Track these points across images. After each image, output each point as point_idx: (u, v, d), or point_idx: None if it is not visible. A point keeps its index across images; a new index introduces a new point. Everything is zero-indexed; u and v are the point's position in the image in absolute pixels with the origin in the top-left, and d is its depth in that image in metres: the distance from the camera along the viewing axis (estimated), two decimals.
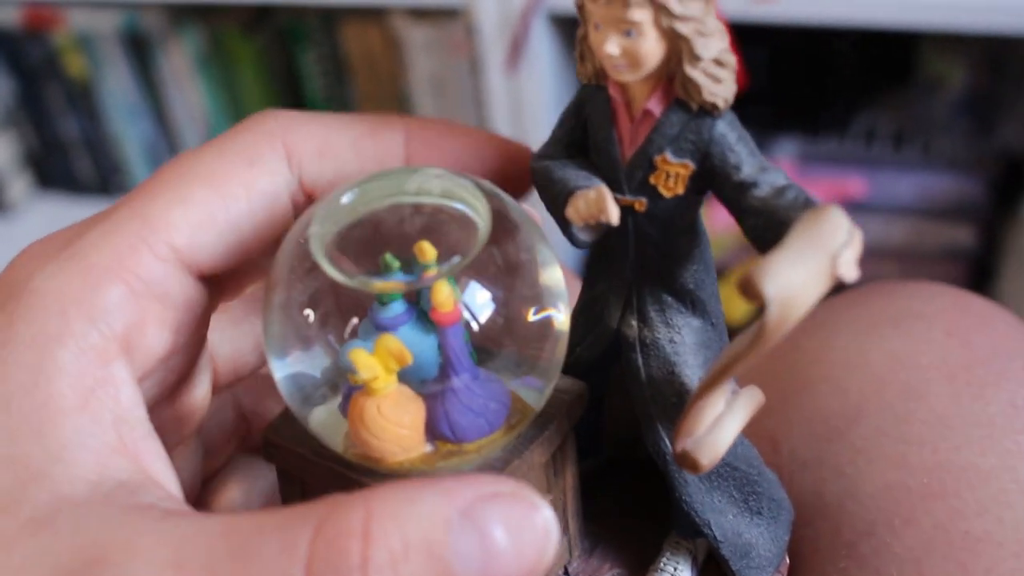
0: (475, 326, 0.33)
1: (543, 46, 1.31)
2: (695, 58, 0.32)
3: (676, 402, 0.36)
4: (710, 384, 0.32)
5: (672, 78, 0.33)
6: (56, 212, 1.82)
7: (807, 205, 0.31)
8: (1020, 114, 1.41)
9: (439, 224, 0.34)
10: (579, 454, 0.40)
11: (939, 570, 0.40)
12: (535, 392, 0.35)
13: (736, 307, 1.22)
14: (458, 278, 0.33)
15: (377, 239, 0.34)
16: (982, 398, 0.45)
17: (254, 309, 0.43)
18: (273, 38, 1.60)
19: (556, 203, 0.35)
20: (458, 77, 1.47)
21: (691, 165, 0.34)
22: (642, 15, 0.32)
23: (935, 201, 1.38)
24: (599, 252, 0.38)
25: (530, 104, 1.33)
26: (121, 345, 0.33)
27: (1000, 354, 0.47)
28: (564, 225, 0.35)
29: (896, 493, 0.42)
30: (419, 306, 0.34)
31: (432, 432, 0.34)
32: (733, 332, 0.36)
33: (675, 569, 0.39)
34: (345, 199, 0.35)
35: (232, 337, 0.43)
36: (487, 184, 0.35)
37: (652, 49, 0.32)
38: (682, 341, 0.37)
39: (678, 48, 0.32)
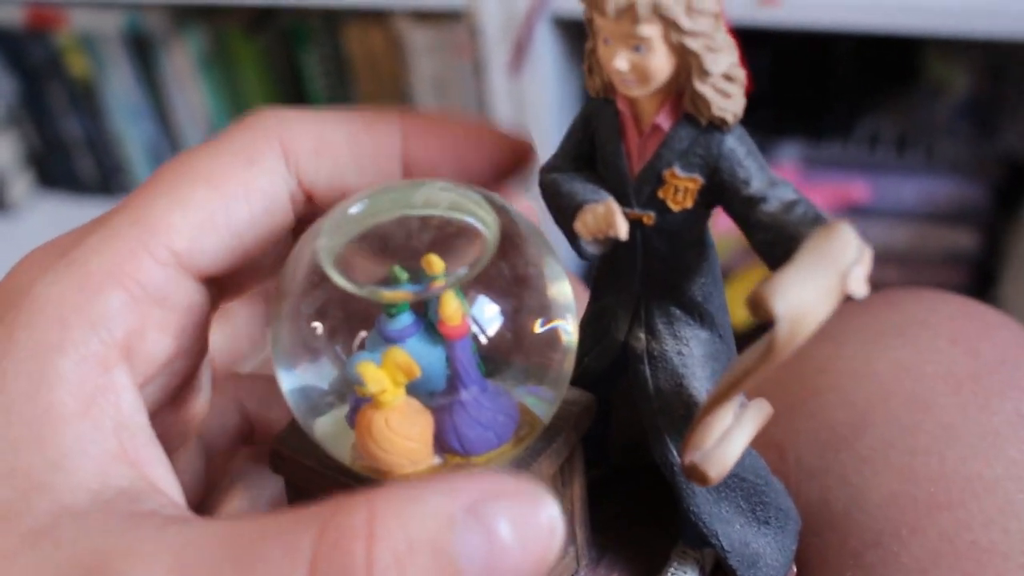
0: (483, 339, 0.33)
1: (546, 48, 1.31)
2: (704, 73, 0.32)
3: (684, 414, 0.36)
4: (719, 398, 0.32)
5: (681, 93, 0.33)
6: (58, 212, 1.82)
7: (817, 221, 0.31)
8: (1022, 119, 1.41)
9: (447, 237, 0.34)
10: (586, 464, 0.40)
11: None
12: (543, 404, 0.35)
13: (741, 312, 1.22)
14: (466, 291, 0.33)
15: (385, 252, 0.34)
16: (988, 408, 0.45)
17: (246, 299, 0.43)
18: (276, 39, 1.59)
19: (564, 216, 0.35)
20: (461, 79, 1.47)
21: (700, 179, 0.34)
22: (652, 30, 0.32)
23: (938, 205, 1.38)
24: (607, 265, 0.38)
25: (533, 107, 1.33)
26: (122, 352, 0.33)
27: (1006, 363, 0.47)
28: (572, 238, 0.35)
29: (903, 503, 0.42)
30: (427, 318, 0.34)
31: (440, 445, 0.34)
32: (739, 340, 0.36)
33: None
34: (353, 211, 0.35)
35: (229, 336, 0.43)
36: (496, 197, 0.35)
37: (661, 64, 0.32)
38: (690, 353, 0.37)
39: (687, 63, 0.32)
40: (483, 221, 0.34)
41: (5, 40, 1.69)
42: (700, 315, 0.37)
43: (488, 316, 0.33)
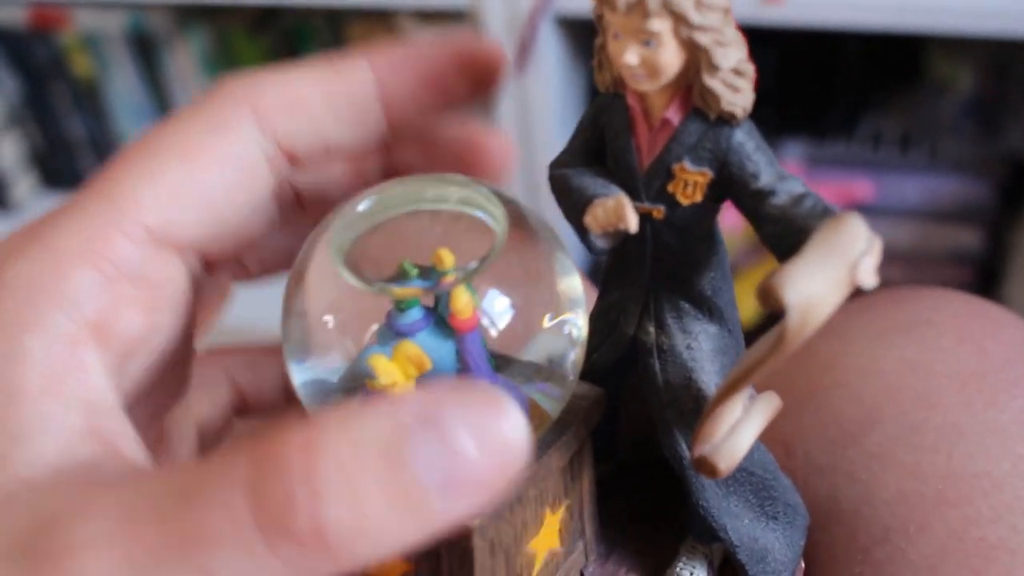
0: (493, 333, 0.33)
1: (550, 48, 1.31)
2: (714, 68, 0.32)
3: (693, 408, 0.37)
4: (728, 390, 0.32)
5: (690, 87, 0.34)
6: None
7: (826, 213, 0.32)
8: None
9: (457, 232, 0.35)
10: (595, 459, 0.40)
11: None
12: (553, 399, 0.35)
13: (747, 308, 1.22)
14: (477, 285, 0.33)
15: (396, 247, 0.35)
16: (995, 405, 0.45)
17: None
18: (279, 39, 1.60)
19: (574, 211, 0.35)
20: None
21: (709, 173, 0.34)
22: (661, 25, 0.32)
23: (942, 204, 1.38)
24: (616, 259, 0.38)
25: (537, 106, 1.33)
26: (92, 331, 0.32)
27: (1013, 361, 0.47)
28: (582, 233, 0.35)
29: (911, 500, 0.43)
30: (437, 312, 0.34)
31: None
32: (748, 336, 0.36)
33: (691, 573, 0.40)
34: (363, 207, 0.35)
35: (256, 372, 0.43)
36: (505, 192, 0.35)
37: (671, 59, 0.33)
38: (699, 347, 0.37)
39: (697, 58, 0.33)
40: (492, 215, 0.34)
41: (9, 40, 1.69)
42: (709, 309, 0.37)
43: (498, 310, 0.33)
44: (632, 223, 0.33)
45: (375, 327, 0.34)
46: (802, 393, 0.49)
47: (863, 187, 1.39)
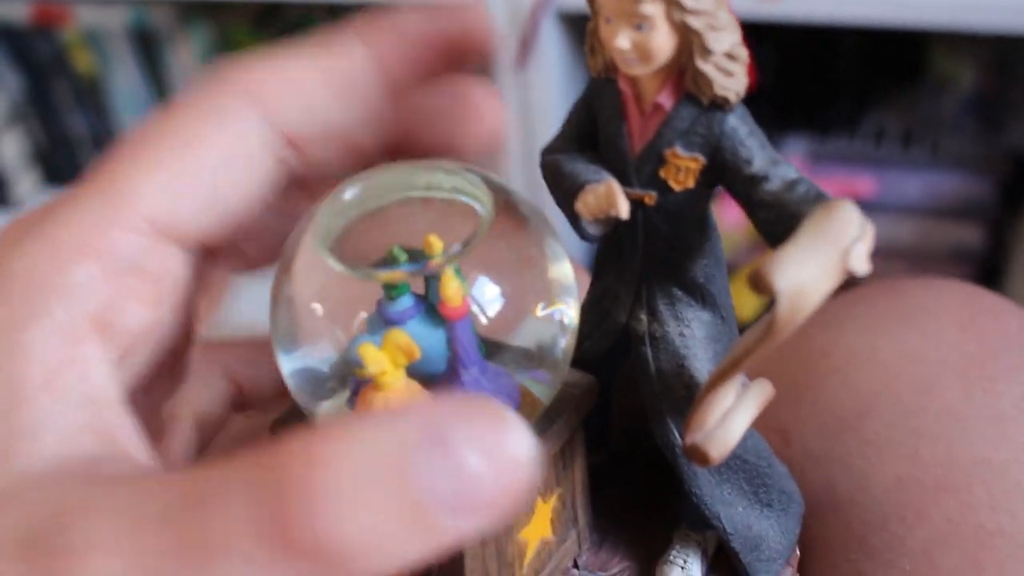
0: (484, 320, 0.33)
1: (551, 44, 1.30)
2: (706, 52, 0.32)
3: (685, 395, 0.36)
4: (720, 378, 0.32)
5: (683, 72, 0.33)
6: None
7: (818, 199, 0.31)
8: None
9: (448, 219, 0.34)
10: (587, 448, 0.40)
11: (951, 563, 0.40)
12: (544, 386, 0.35)
13: (745, 304, 1.22)
14: (467, 272, 0.33)
15: (386, 234, 0.34)
16: (993, 392, 0.45)
17: None
18: (281, 34, 1.59)
19: (565, 197, 0.35)
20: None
21: (701, 159, 0.34)
22: (654, 9, 0.32)
23: (943, 201, 1.38)
24: (608, 246, 0.38)
25: (539, 102, 1.33)
26: (94, 324, 0.32)
27: (1011, 348, 0.47)
28: (573, 219, 0.35)
29: (908, 487, 0.42)
30: (427, 300, 0.34)
31: None
32: (743, 329, 0.36)
33: (685, 562, 0.39)
34: (352, 194, 0.35)
35: (254, 361, 0.43)
36: (495, 178, 0.35)
37: (663, 43, 0.32)
38: (692, 335, 0.37)
39: (689, 42, 0.32)
40: (484, 202, 0.34)
41: (11, 37, 1.69)
42: (702, 296, 0.37)
43: (488, 297, 0.33)
44: (623, 209, 0.33)
45: (364, 315, 0.33)
46: (799, 381, 0.49)
47: (865, 183, 1.39)
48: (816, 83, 1.45)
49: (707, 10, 0.32)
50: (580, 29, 1.34)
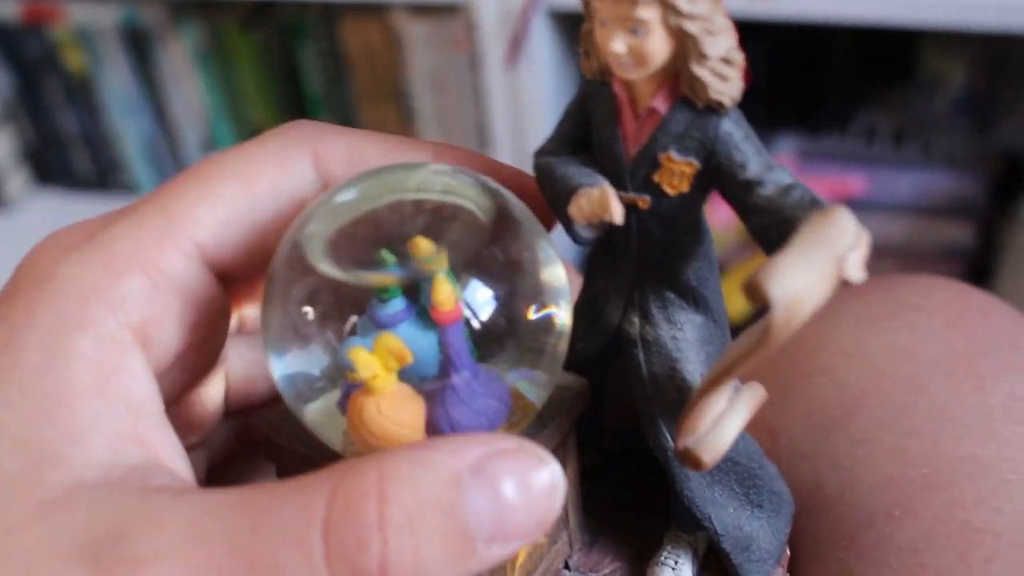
0: (476, 324, 0.33)
1: (543, 42, 1.30)
2: (702, 56, 0.32)
3: (677, 398, 0.36)
4: (712, 383, 0.32)
5: (678, 75, 0.33)
6: (54, 207, 1.82)
7: (813, 205, 0.31)
8: (1020, 113, 1.41)
9: (441, 221, 0.34)
10: (579, 449, 0.40)
11: (939, 560, 0.40)
12: (537, 389, 0.35)
13: (738, 303, 1.22)
14: (459, 276, 0.33)
15: (377, 236, 0.34)
16: (982, 390, 0.45)
17: None
18: (272, 33, 1.59)
19: (558, 200, 0.35)
20: (458, 73, 1.47)
21: (696, 163, 0.34)
22: (650, 13, 0.32)
23: (934, 199, 1.38)
24: (601, 249, 0.38)
25: (529, 100, 1.33)
26: (137, 336, 0.33)
27: (1000, 346, 0.47)
28: (566, 222, 0.35)
29: (896, 484, 0.43)
30: (419, 303, 0.34)
31: (432, 431, 0.33)
32: (737, 330, 0.36)
33: (676, 563, 0.39)
34: (344, 196, 0.35)
35: (248, 361, 0.43)
36: (489, 180, 0.35)
37: (659, 47, 0.32)
38: (684, 338, 0.37)
39: (685, 46, 0.32)
40: (477, 204, 0.34)
41: (1, 35, 1.69)
42: (695, 299, 0.37)
43: (481, 301, 0.33)
44: (617, 214, 0.33)
45: (356, 319, 0.33)
46: (787, 379, 0.49)
47: (856, 182, 1.39)
48: (807, 82, 1.45)
49: (703, 15, 0.32)
50: (571, 27, 1.34)
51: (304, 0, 1.50)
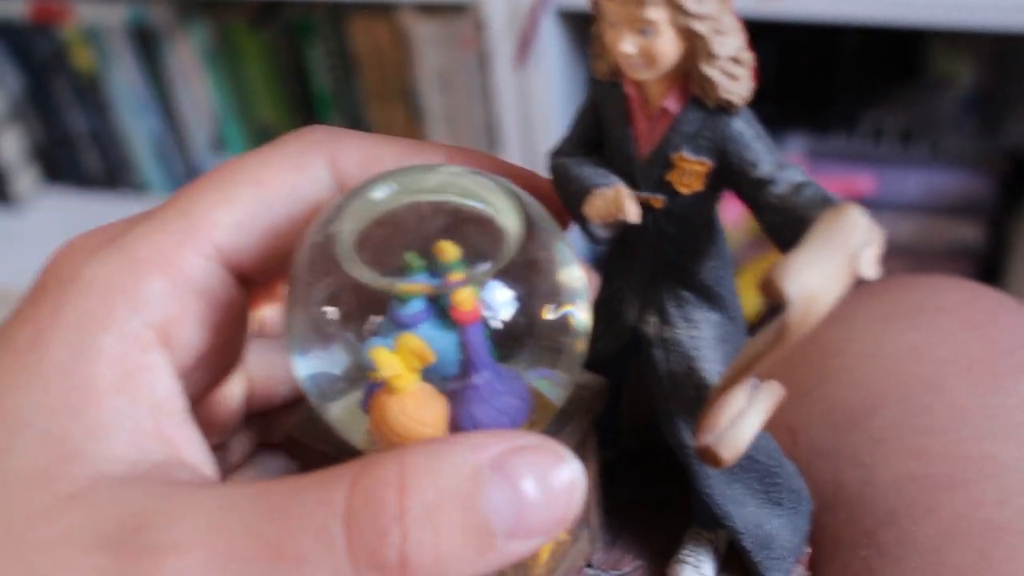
0: (495, 324, 0.33)
1: (552, 42, 1.30)
2: (711, 56, 0.32)
3: (695, 396, 0.37)
4: (730, 381, 0.32)
5: (689, 76, 0.33)
6: (63, 206, 1.82)
7: (826, 202, 0.32)
8: None
9: (461, 223, 0.34)
10: (599, 447, 0.40)
11: (960, 559, 0.40)
12: (556, 389, 0.35)
13: (749, 300, 1.22)
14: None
15: (398, 237, 0.34)
16: (1001, 389, 0.45)
17: None
18: (281, 33, 1.59)
19: (574, 200, 0.35)
20: (466, 72, 1.47)
21: (708, 162, 0.34)
22: (658, 14, 0.32)
23: (943, 198, 1.38)
24: (617, 249, 0.38)
25: (538, 100, 1.33)
26: (160, 335, 0.33)
27: (1018, 346, 0.48)
28: (582, 223, 0.35)
29: (916, 482, 0.43)
30: (439, 304, 0.34)
31: (455, 429, 0.34)
32: (752, 328, 0.36)
33: (697, 561, 0.40)
34: (365, 196, 0.35)
35: (268, 363, 0.44)
36: (507, 182, 0.35)
37: (668, 48, 0.32)
38: (701, 336, 0.37)
39: (694, 46, 0.32)
40: (497, 208, 0.34)
41: (10, 34, 1.69)
42: (711, 297, 0.37)
43: (500, 301, 0.33)
44: (632, 213, 0.33)
45: (376, 319, 0.34)
46: (807, 378, 0.49)
47: (864, 181, 1.39)
48: (815, 81, 1.45)
49: (711, 15, 0.32)
50: (580, 27, 1.34)
51: None
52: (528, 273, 0.34)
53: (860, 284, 0.29)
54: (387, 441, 0.33)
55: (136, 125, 1.73)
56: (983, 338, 0.48)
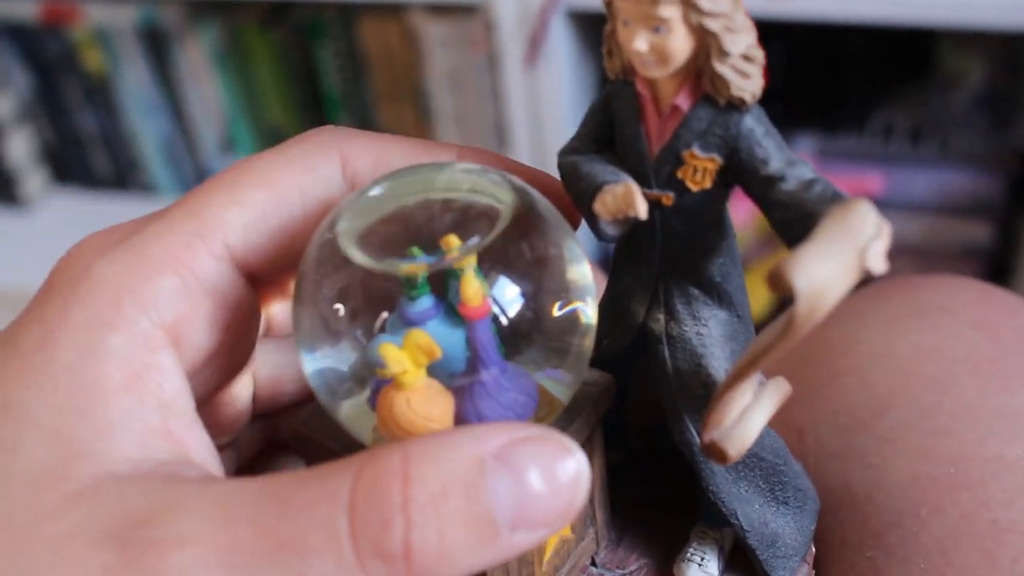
0: (503, 320, 0.33)
1: (561, 42, 1.31)
2: (723, 54, 0.32)
3: (703, 393, 0.37)
4: (738, 376, 0.32)
5: (700, 73, 0.34)
6: (73, 207, 1.82)
7: (835, 199, 0.32)
8: None
9: (468, 220, 0.35)
10: (605, 445, 0.40)
11: (966, 559, 0.40)
12: (563, 385, 0.35)
13: (758, 299, 1.22)
14: (486, 272, 0.33)
15: (406, 235, 0.34)
16: (1008, 390, 0.45)
17: None
18: (290, 33, 1.60)
19: (583, 198, 0.35)
20: (476, 73, 1.47)
21: (719, 159, 0.34)
22: (671, 11, 0.32)
23: (952, 198, 1.38)
24: (626, 246, 0.38)
25: (548, 100, 1.33)
26: (169, 335, 0.33)
27: None
28: (591, 219, 0.35)
29: (923, 483, 0.43)
30: (447, 300, 0.34)
31: (461, 425, 0.34)
32: (759, 326, 0.36)
33: (702, 559, 0.40)
34: (374, 194, 0.35)
35: (275, 363, 0.44)
36: (516, 179, 0.35)
37: (680, 45, 0.32)
38: (708, 333, 0.37)
39: (706, 44, 0.33)
40: (501, 201, 0.34)
41: (20, 35, 1.70)
42: (719, 295, 0.37)
43: (508, 297, 0.33)
44: (642, 210, 0.33)
45: (385, 316, 0.34)
46: (815, 379, 0.49)
47: (874, 180, 1.39)
48: (825, 81, 1.45)
49: (724, 12, 0.32)
50: (590, 27, 1.35)
51: (322, 0, 1.51)
52: (537, 269, 0.34)
53: (869, 283, 0.29)
54: (393, 437, 0.33)
55: (145, 126, 1.74)
56: (992, 338, 0.48)
